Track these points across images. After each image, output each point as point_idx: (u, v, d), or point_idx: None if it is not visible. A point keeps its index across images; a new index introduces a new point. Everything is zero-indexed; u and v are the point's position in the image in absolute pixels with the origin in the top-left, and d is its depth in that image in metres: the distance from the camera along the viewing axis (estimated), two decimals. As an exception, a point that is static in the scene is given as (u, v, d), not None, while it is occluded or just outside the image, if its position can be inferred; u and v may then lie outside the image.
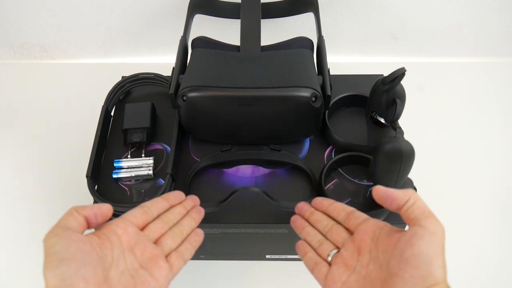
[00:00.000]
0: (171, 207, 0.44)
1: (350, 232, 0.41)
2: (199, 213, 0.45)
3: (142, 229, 0.40)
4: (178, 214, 0.43)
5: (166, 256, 0.39)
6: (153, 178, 0.56)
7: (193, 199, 0.47)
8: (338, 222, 0.43)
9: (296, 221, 0.46)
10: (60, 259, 0.31)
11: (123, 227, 0.38)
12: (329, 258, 0.40)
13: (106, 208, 0.38)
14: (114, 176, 0.55)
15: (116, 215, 0.51)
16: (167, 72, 0.62)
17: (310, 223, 0.45)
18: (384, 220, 0.51)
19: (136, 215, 0.40)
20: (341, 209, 0.43)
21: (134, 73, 0.64)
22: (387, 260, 0.35)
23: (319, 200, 0.46)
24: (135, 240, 0.38)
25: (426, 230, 0.34)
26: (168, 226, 0.42)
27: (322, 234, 0.43)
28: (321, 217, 0.44)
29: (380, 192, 0.38)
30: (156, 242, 0.40)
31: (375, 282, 0.36)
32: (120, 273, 0.35)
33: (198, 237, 0.43)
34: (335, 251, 0.40)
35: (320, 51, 0.58)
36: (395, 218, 0.51)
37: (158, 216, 0.42)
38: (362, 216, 0.41)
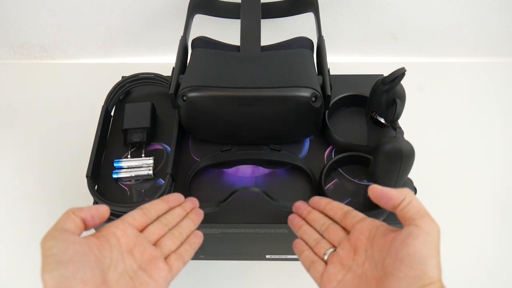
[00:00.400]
0: (171, 209, 0.44)
1: (347, 231, 0.41)
2: (198, 215, 0.46)
3: (141, 231, 0.40)
4: (177, 216, 0.43)
5: (166, 258, 0.39)
6: (153, 178, 0.56)
7: (192, 201, 0.47)
8: (335, 221, 0.43)
9: (293, 220, 0.46)
10: (58, 262, 0.32)
11: (122, 229, 0.38)
12: (325, 257, 0.40)
13: (103, 209, 0.38)
14: (114, 176, 0.55)
15: (116, 215, 0.51)
16: (167, 72, 0.62)
17: (307, 222, 0.45)
18: (384, 220, 0.51)
19: (135, 217, 0.40)
20: (338, 208, 0.43)
21: (134, 73, 0.64)
22: (382, 259, 0.35)
23: (316, 199, 0.46)
24: (134, 242, 0.38)
25: (421, 230, 0.34)
26: (168, 228, 0.42)
27: (319, 233, 0.43)
28: (318, 216, 0.44)
29: (375, 191, 0.38)
30: (155, 244, 0.40)
31: (370, 281, 0.36)
32: (118, 274, 0.35)
33: (198, 239, 0.44)
34: (331, 250, 0.40)
35: (320, 51, 0.58)
36: (395, 219, 0.51)
37: (157, 218, 0.42)
38: (359, 215, 0.41)
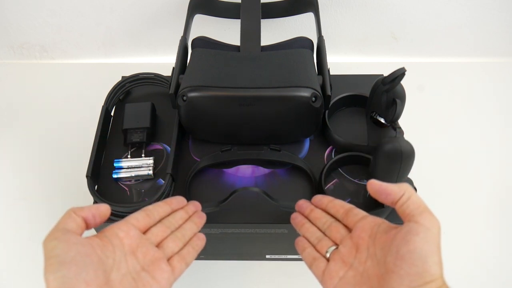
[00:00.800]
0: (173, 211, 0.44)
1: (349, 229, 0.41)
2: (201, 218, 0.46)
3: (145, 232, 0.40)
4: (180, 219, 0.44)
5: (168, 259, 0.40)
6: (153, 178, 0.56)
7: (195, 205, 0.47)
8: (337, 219, 0.43)
9: (295, 218, 0.46)
10: (61, 262, 0.32)
11: (126, 230, 0.38)
12: (327, 255, 0.40)
13: (104, 208, 0.38)
14: (114, 176, 0.55)
15: (116, 215, 0.51)
16: (167, 72, 0.62)
17: (309, 220, 0.45)
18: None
19: (138, 218, 0.40)
20: (340, 206, 0.43)
21: (134, 73, 0.64)
22: (384, 257, 0.35)
23: (319, 198, 0.46)
24: (137, 243, 0.38)
25: (421, 226, 0.34)
26: (170, 230, 0.42)
27: (321, 231, 0.43)
28: (320, 214, 0.44)
29: (374, 186, 0.38)
30: (158, 245, 0.40)
31: (372, 279, 0.36)
32: (121, 275, 0.35)
33: (200, 241, 0.44)
34: (333, 247, 0.41)
35: (320, 51, 0.58)
36: (395, 218, 0.51)
37: (160, 220, 0.42)
38: (361, 213, 0.41)
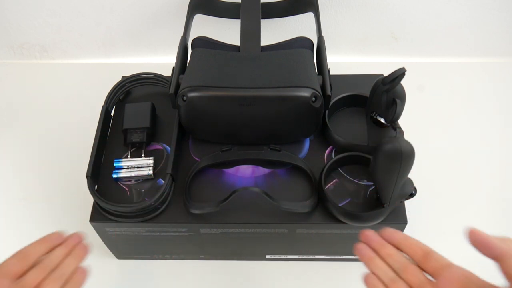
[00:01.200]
0: (52, 249, 0.41)
1: (427, 273, 0.38)
2: (83, 250, 0.43)
3: (20, 277, 0.38)
4: (59, 256, 0.41)
5: None
6: (153, 178, 0.56)
7: (76, 237, 0.44)
8: (411, 260, 0.40)
9: (362, 250, 0.42)
10: None
11: None
12: None
13: None
14: (114, 176, 0.55)
15: (116, 215, 0.51)
16: (167, 72, 0.62)
17: (378, 255, 0.41)
18: (384, 221, 0.51)
19: (11, 264, 0.38)
20: (417, 246, 0.40)
21: (134, 73, 0.64)
22: None
23: (390, 232, 0.42)
24: None
25: None
26: (48, 270, 0.39)
27: (393, 269, 0.40)
28: (393, 251, 0.40)
29: (476, 236, 0.36)
30: None
31: None
32: None
33: (82, 275, 0.41)
34: None
35: (320, 51, 0.58)
36: (394, 218, 0.52)
37: (37, 262, 0.40)
38: (443, 259, 0.38)
